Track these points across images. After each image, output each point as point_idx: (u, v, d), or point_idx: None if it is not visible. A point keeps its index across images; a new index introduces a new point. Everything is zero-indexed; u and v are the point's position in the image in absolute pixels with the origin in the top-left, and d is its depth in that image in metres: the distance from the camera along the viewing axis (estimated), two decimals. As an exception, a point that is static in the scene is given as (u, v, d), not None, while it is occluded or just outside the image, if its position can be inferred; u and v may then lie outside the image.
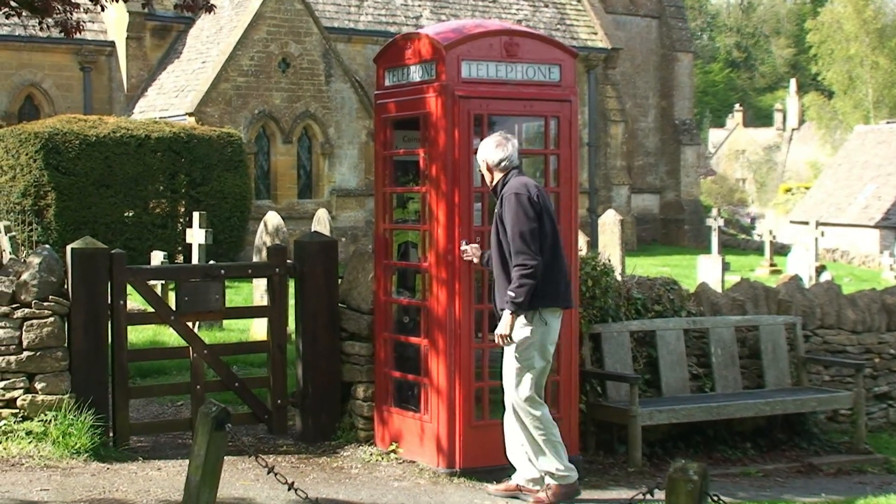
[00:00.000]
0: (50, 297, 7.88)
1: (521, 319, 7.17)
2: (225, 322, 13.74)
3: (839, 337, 10.24)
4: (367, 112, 26.53)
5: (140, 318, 9.67)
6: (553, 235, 7.24)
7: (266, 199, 26.02)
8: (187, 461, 5.56)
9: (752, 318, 9.69)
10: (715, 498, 4.42)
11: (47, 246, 8.80)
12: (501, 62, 7.85)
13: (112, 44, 28.41)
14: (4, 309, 7.83)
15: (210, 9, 11.54)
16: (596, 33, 34.40)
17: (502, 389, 7.40)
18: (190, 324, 8.72)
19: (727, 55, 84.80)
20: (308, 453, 8.28)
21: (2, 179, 21.27)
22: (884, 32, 55.91)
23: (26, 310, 7.84)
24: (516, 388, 7.24)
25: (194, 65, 26.76)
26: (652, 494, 4.85)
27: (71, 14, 11.02)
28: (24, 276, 7.89)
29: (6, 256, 16.67)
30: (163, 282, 14.14)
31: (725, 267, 20.95)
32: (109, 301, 8.06)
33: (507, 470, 7.49)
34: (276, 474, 5.41)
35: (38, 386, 7.83)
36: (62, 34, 11.18)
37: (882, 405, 10.44)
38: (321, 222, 18.00)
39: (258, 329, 12.84)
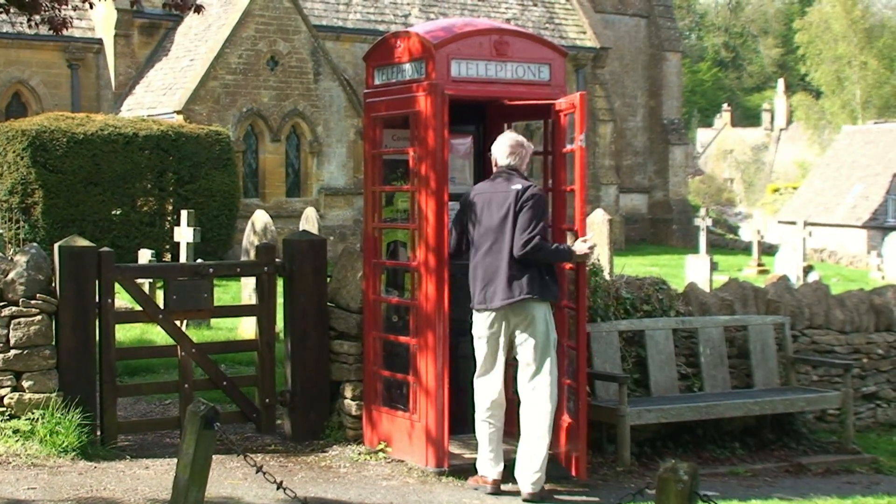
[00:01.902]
0: (37, 295, 7.84)
1: None
2: (213, 321, 13.71)
3: (827, 337, 10.25)
4: (355, 110, 26.52)
5: (128, 317, 9.63)
6: (483, 237, 7.42)
7: (254, 197, 25.99)
8: (175, 460, 5.54)
9: (740, 318, 9.69)
10: (705, 498, 4.41)
11: (35, 244, 8.76)
12: (491, 61, 7.83)
13: (100, 41, 28.34)
14: (-9, 307, 7.80)
15: (199, 9, 11.45)
16: (585, 32, 34.44)
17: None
18: (178, 322, 8.69)
19: (715, 55, 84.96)
20: (296, 452, 8.25)
21: (-11, 177, 21.21)
22: (872, 32, 56.13)
23: (13, 308, 7.81)
24: None
25: (182, 62, 26.70)
26: (642, 494, 4.85)
27: (59, 10, 10.98)
28: (12, 275, 7.85)
29: (-7, 254, 16.60)
30: (151, 280, 14.09)
31: (713, 267, 20.99)
32: (97, 299, 8.03)
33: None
34: (264, 473, 5.39)
35: (26, 384, 7.79)
36: (50, 31, 11.13)
37: (870, 405, 10.45)
38: (309, 221, 17.96)
39: (246, 328, 12.81)
